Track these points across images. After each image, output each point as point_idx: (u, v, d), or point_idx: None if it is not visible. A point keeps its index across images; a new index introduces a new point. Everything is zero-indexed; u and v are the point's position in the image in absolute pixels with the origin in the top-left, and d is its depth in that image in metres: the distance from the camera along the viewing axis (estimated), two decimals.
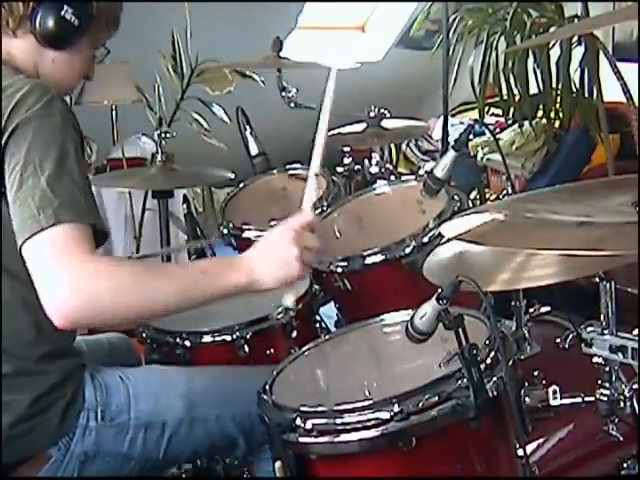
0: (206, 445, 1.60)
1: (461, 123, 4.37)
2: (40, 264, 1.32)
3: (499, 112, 3.94)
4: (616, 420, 1.51)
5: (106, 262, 1.36)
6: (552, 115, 3.47)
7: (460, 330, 1.25)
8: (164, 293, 1.38)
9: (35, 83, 1.45)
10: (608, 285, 1.41)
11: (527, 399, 1.52)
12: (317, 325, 1.94)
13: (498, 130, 4.13)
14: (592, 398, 1.48)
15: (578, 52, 3.29)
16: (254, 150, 2.46)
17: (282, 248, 1.43)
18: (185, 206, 2.30)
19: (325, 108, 1.53)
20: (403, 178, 2.22)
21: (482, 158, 4.06)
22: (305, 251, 1.43)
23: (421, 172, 2.10)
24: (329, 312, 2.03)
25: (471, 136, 3.24)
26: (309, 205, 1.51)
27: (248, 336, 1.78)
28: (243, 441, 1.61)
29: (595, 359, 1.45)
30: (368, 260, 1.80)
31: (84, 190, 1.39)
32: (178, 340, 1.80)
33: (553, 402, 1.50)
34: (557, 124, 3.62)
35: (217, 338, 1.80)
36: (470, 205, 1.90)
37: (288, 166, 2.44)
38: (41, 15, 1.49)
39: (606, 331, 1.41)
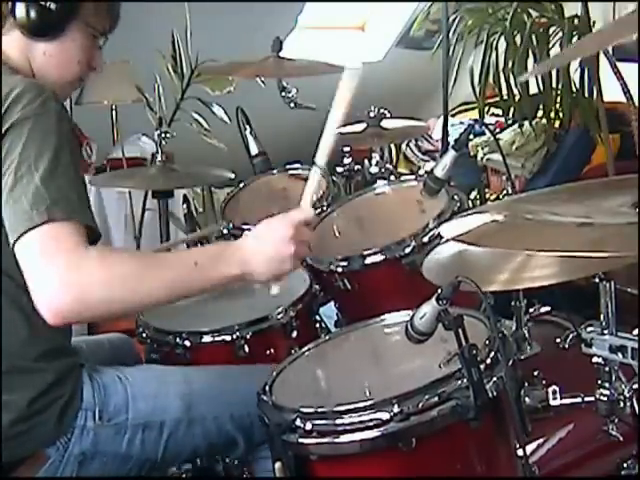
0: (205, 445, 1.60)
1: (461, 123, 4.35)
2: (30, 260, 1.32)
3: (499, 112, 3.93)
4: (616, 420, 1.51)
5: (96, 255, 1.34)
6: (552, 115, 3.47)
7: (460, 330, 1.25)
8: (157, 286, 1.38)
9: (30, 82, 1.44)
10: (608, 285, 1.41)
11: (527, 399, 1.53)
12: (317, 325, 1.94)
13: (498, 130, 4.11)
14: (592, 398, 1.48)
15: None
16: (254, 150, 2.46)
17: (280, 244, 1.45)
18: (185, 206, 2.30)
19: (337, 104, 1.53)
20: (403, 178, 2.22)
21: (482, 158, 4.05)
22: (300, 246, 1.45)
23: (421, 172, 2.11)
24: (329, 312, 2.03)
25: (471, 136, 3.26)
26: (308, 201, 1.53)
27: (248, 336, 1.78)
28: (242, 440, 1.60)
29: (595, 359, 1.45)
30: (368, 260, 1.80)
31: (78, 190, 1.38)
32: (178, 340, 1.80)
33: (553, 402, 1.50)
34: (557, 124, 3.61)
35: (217, 338, 1.80)
36: (470, 205, 1.90)
37: (288, 166, 2.44)
38: (19, 6, 1.49)
39: (606, 331, 1.41)
